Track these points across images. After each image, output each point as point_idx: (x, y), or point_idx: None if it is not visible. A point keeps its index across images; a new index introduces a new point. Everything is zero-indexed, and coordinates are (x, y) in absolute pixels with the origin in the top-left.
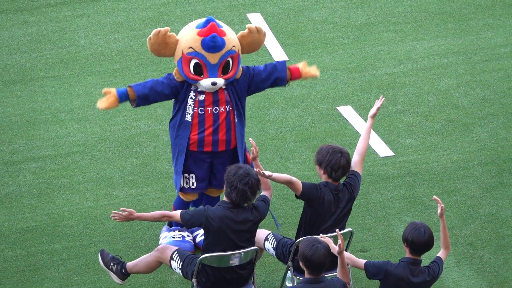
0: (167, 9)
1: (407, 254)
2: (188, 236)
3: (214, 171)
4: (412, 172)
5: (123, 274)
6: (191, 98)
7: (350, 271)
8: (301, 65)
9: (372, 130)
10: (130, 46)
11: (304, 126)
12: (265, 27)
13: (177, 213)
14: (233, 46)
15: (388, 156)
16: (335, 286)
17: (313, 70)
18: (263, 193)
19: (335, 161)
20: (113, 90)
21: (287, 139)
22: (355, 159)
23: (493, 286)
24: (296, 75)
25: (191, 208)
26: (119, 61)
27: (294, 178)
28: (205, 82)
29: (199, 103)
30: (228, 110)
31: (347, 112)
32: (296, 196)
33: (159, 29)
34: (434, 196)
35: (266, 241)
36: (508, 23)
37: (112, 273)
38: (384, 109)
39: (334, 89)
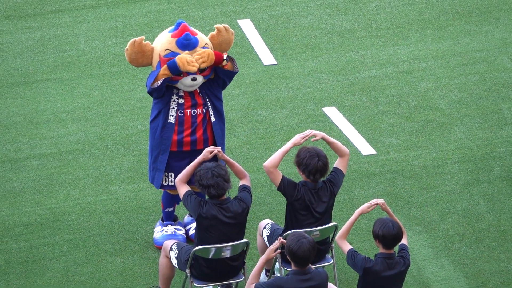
0: (162, 15)
1: (380, 249)
2: (179, 230)
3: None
4: (393, 170)
5: None
6: (174, 101)
7: (335, 263)
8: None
9: (355, 130)
10: None
11: (291, 126)
12: (255, 33)
13: (183, 190)
14: (206, 43)
15: (370, 155)
16: (321, 276)
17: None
18: (241, 182)
19: (312, 165)
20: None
21: (275, 138)
22: (338, 160)
23: (469, 277)
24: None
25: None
26: (117, 65)
27: (278, 170)
28: (186, 80)
29: (179, 106)
30: (204, 111)
31: (332, 113)
32: (277, 188)
33: (134, 39)
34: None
35: (264, 229)
36: (483, 29)
37: None
38: (367, 110)
39: (319, 91)
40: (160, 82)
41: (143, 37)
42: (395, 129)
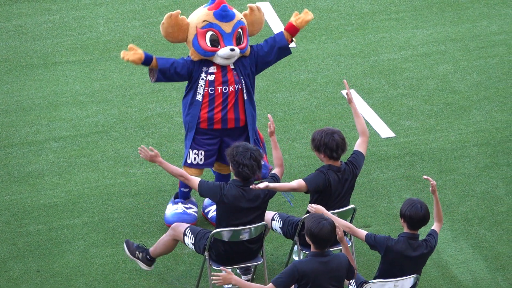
0: None
1: (405, 229)
2: (190, 208)
3: (224, 147)
4: (412, 152)
5: (149, 260)
6: (202, 79)
7: (353, 246)
8: (293, 18)
9: (374, 112)
10: (146, 32)
11: (310, 109)
12: (274, 15)
13: (195, 180)
14: (241, 18)
15: (389, 137)
16: (339, 259)
17: (307, 16)
18: (274, 170)
19: (331, 142)
20: (141, 50)
21: (294, 121)
22: (358, 140)
23: (488, 260)
24: (293, 30)
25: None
26: None
27: (294, 184)
28: (224, 51)
29: (209, 83)
30: (237, 89)
31: None
32: (306, 192)
33: (170, 12)
34: (424, 176)
35: (272, 221)
36: (502, 12)
37: (139, 261)
38: (386, 92)
39: (338, 74)
40: (155, 74)
41: (179, 11)
42: (414, 112)
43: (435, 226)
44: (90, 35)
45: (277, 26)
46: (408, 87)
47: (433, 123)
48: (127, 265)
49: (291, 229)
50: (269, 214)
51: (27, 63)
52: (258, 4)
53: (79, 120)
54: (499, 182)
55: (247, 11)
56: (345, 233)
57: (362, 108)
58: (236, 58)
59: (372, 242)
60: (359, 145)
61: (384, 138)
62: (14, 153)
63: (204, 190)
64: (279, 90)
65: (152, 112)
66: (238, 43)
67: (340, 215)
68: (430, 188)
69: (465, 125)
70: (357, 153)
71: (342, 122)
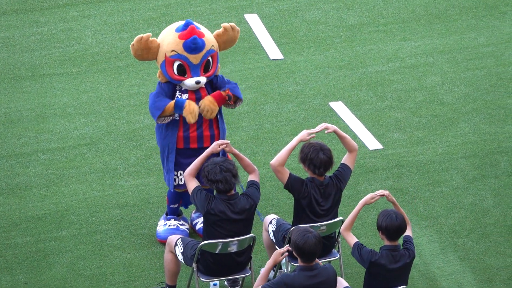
0: (169, 10)
1: (385, 242)
2: (182, 225)
3: (201, 167)
4: (400, 164)
5: None
6: (177, 97)
7: (341, 258)
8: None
9: (361, 124)
10: None
11: (298, 121)
12: (261, 27)
13: (193, 185)
14: (212, 45)
15: (377, 149)
16: (328, 272)
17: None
18: (250, 177)
19: (316, 159)
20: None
21: (282, 133)
22: (346, 155)
23: (476, 272)
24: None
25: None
26: (124, 59)
27: (285, 168)
28: (189, 82)
29: None
30: None
31: (339, 107)
32: (284, 186)
33: (141, 35)
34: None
35: (270, 224)
36: (490, 24)
37: None
38: (374, 104)
39: (326, 85)
40: (168, 120)
41: (150, 34)
42: (401, 124)
43: (406, 232)
44: (78, 47)
45: (265, 38)
46: (396, 99)
47: (421, 135)
48: (114, 277)
49: (279, 236)
50: (269, 217)
51: (14, 75)
52: (247, 16)
53: (67, 132)
54: (487, 194)
55: (221, 31)
56: (333, 246)
57: (350, 120)
58: (202, 86)
59: (358, 254)
60: (346, 159)
61: (372, 150)
62: (1, 165)
63: (194, 197)
64: (266, 102)
65: (140, 124)
66: (206, 70)
67: (328, 227)
68: (387, 199)
69: (453, 137)
70: (343, 167)
71: (329, 134)
